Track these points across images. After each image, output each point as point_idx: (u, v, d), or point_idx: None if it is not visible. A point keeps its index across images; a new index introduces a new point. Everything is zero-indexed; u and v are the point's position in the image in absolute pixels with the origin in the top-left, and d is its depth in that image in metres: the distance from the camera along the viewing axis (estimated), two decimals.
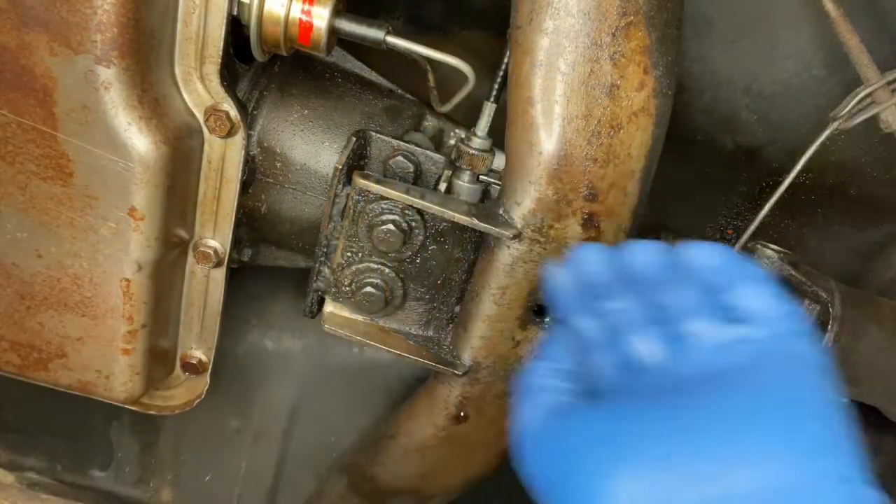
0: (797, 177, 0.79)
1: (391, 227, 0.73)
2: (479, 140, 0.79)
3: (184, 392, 0.90)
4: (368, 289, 0.77)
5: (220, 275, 0.82)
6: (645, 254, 0.52)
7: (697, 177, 1.01)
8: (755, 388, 0.45)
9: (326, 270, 0.80)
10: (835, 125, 0.77)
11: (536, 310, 0.74)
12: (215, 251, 0.80)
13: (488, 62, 0.83)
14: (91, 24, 0.63)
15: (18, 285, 0.77)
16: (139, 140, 0.68)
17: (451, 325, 0.80)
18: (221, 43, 0.69)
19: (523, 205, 0.68)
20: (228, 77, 0.72)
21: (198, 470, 1.19)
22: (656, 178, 0.74)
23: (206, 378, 0.88)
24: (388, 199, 0.72)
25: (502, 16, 0.79)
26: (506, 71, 0.75)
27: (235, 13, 0.69)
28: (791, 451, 0.42)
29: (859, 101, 0.76)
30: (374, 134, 0.81)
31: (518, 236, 0.69)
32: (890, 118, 0.76)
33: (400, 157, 0.81)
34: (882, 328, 0.83)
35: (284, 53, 0.74)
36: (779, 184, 0.80)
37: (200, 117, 0.73)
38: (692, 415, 0.44)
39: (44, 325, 0.79)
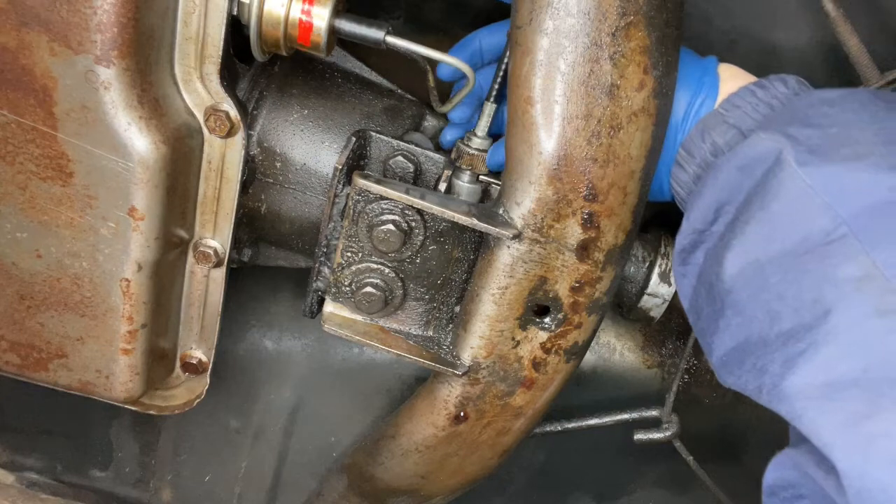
0: None
1: (391, 227, 0.73)
2: (479, 140, 0.79)
3: (184, 392, 0.90)
4: (368, 289, 0.77)
5: (220, 275, 0.82)
6: None
7: None
8: None
9: (326, 270, 0.80)
10: None
11: (536, 310, 0.74)
12: (215, 251, 0.80)
13: None
14: (91, 24, 0.63)
15: (18, 285, 0.77)
16: (139, 140, 0.68)
17: (451, 325, 0.80)
18: (221, 43, 0.69)
19: (523, 205, 0.68)
20: (228, 77, 0.72)
21: (198, 470, 1.19)
22: None
23: (206, 378, 0.88)
24: (387, 199, 0.72)
25: (502, 16, 0.79)
26: (506, 71, 0.75)
27: (235, 13, 0.69)
28: None
29: None
30: (373, 134, 0.81)
31: (518, 236, 0.69)
32: None
33: (400, 157, 0.81)
34: None
35: (284, 53, 0.74)
36: None
37: (200, 117, 0.73)
38: None
39: (44, 325, 0.79)
